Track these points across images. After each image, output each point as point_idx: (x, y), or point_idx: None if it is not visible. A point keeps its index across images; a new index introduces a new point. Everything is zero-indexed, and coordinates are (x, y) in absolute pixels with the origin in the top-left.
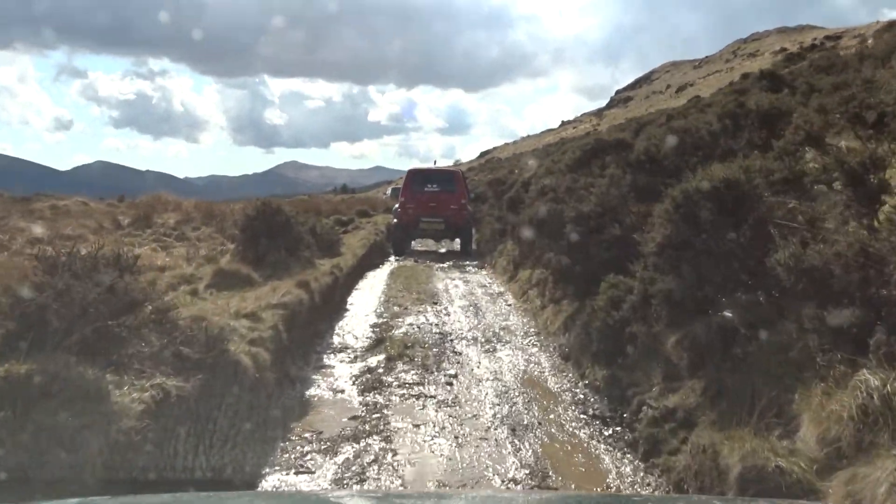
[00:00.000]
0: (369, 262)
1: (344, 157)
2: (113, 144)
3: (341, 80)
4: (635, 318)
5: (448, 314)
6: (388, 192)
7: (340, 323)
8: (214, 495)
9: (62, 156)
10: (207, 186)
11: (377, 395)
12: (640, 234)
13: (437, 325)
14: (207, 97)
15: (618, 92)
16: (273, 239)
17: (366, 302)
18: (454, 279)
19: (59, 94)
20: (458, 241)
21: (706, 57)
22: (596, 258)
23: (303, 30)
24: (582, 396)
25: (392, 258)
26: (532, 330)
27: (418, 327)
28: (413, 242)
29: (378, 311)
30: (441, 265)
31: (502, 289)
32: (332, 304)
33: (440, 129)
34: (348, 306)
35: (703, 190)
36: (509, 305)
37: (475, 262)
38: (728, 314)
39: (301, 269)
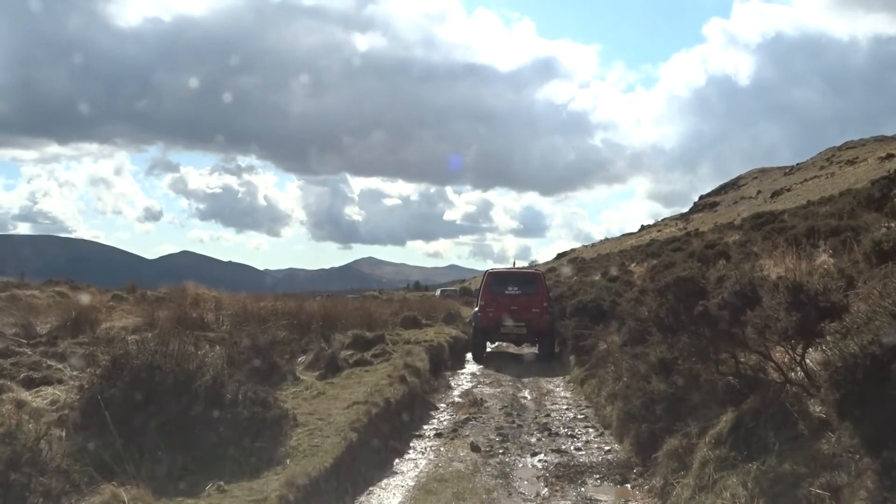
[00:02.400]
0: (357, 478)
1: (419, 255)
2: (197, 235)
3: (419, 180)
4: None
5: None
6: (438, 293)
7: None
8: None
9: (150, 245)
10: (285, 279)
11: None
12: None
13: None
14: (290, 193)
15: (701, 197)
16: None
17: None
18: None
19: (150, 186)
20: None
21: (797, 164)
22: None
23: (384, 132)
24: None
25: (429, 432)
26: None
27: None
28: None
29: None
30: (529, 457)
31: None
32: None
33: (515, 231)
34: None
35: None
36: None
37: (599, 455)
38: None
39: None
